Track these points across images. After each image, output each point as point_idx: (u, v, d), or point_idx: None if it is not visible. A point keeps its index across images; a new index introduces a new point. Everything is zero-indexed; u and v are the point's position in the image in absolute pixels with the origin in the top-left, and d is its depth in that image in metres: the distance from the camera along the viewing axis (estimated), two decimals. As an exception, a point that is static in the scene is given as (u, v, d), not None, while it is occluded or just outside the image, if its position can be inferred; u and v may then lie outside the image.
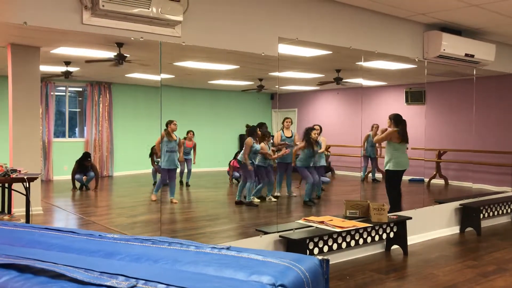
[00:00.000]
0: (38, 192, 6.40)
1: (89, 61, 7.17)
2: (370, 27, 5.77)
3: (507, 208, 7.47)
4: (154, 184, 9.48)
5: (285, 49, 5.18)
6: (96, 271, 1.26)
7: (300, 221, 5.25)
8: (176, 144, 7.83)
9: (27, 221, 4.54)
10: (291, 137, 8.39)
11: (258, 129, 8.10)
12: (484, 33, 6.82)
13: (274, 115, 11.45)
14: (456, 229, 6.93)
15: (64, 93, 11.18)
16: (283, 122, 8.51)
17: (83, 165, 9.38)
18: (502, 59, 7.42)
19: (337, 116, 10.77)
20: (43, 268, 1.26)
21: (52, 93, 10.63)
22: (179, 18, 4.02)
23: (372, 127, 9.29)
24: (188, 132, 9.11)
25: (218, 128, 11.84)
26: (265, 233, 4.83)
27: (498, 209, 7.30)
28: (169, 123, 7.72)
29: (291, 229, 4.94)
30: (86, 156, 9.57)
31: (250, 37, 4.76)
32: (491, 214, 7.17)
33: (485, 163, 8.69)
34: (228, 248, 1.47)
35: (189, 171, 9.32)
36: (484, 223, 7.11)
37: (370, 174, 9.73)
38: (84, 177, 9.38)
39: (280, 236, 4.80)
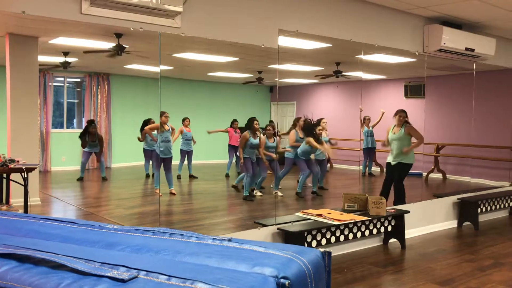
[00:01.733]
0: (36, 183, 6.38)
1: (88, 51, 7.12)
2: (370, 20, 5.75)
3: (504, 202, 7.49)
4: (147, 176, 9.45)
5: (285, 41, 5.15)
6: (97, 262, 1.25)
7: (299, 214, 5.25)
8: (170, 134, 7.84)
9: (25, 211, 4.53)
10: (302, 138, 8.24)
11: (254, 122, 7.89)
12: (485, 27, 6.79)
13: (273, 108, 11.43)
14: (453, 223, 6.95)
15: (62, 84, 11.13)
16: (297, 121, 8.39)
17: (90, 132, 9.43)
18: (502, 54, 7.40)
19: (337, 110, 10.75)
20: (43, 258, 1.25)
21: (50, 84, 10.59)
22: (179, 8, 3.99)
23: (364, 119, 9.26)
24: (184, 120, 9.03)
25: (216, 120, 11.79)
26: (263, 225, 4.84)
27: (496, 204, 7.32)
28: (160, 115, 7.63)
29: (289, 222, 4.94)
30: (90, 122, 9.66)
31: (250, 29, 4.73)
32: (488, 208, 7.19)
33: (483, 157, 8.70)
34: (229, 240, 1.46)
35: (190, 162, 9.26)
36: (482, 218, 7.13)
37: (367, 168, 9.72)
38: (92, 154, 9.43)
39: (278, 229, 4.80)
